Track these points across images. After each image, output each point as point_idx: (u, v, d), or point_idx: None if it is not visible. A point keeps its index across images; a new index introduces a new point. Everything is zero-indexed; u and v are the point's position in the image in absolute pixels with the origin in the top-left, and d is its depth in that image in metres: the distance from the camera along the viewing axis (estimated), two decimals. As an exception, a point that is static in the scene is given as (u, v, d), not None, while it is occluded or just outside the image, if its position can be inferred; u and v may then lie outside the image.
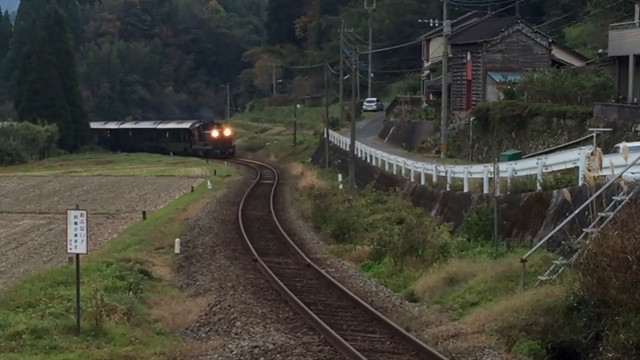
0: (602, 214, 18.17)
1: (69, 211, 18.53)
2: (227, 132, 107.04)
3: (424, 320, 19.76)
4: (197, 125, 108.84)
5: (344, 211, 39.01)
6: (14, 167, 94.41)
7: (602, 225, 17.69)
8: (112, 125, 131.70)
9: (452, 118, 62.77)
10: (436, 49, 74.51)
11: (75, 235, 18.21)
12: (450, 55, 62.49)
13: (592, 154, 23.07)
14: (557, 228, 20.30)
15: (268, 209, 46.30)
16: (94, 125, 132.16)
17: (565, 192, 21.25)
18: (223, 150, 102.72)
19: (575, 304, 16.53)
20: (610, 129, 37.56)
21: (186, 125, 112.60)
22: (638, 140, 33.98)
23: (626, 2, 57.71)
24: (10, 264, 34.00)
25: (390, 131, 76.36)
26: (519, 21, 62.37)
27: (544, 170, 27.55)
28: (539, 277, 18.76)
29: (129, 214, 48.19)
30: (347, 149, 60.68)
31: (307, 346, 17.57)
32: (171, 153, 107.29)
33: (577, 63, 61.21)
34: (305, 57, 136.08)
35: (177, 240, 33.39)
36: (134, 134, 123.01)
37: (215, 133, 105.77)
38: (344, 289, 23.72)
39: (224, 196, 54.25)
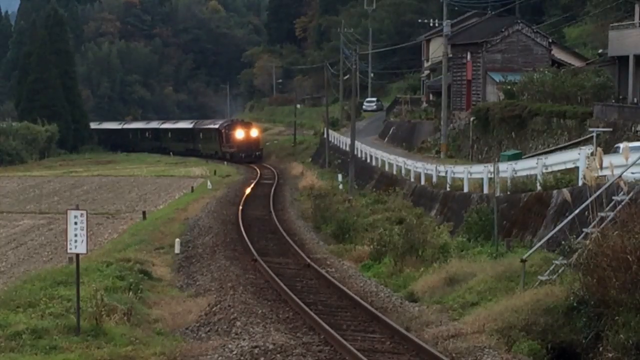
0: (602, 214, 18.17)
1: (69, 211, 18.53)
2: (254, 132, 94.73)
3: (424, 320, 19.76)
4: (225, 124, 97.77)
5: (344, 211, 39.03)
6: (14, 167, 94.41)
7: (602, 225, 17.70)
8: (154, 124, 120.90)
9: (452, 118, 62.76)
10: (436, 49, 74.52)
11: (75, 235, 18.21)
12: (450, 55, 62.48)
13: (592, 154, 23.09)
14: (557, 228, 20.30)
15: (268, 209, 46.29)
16: (134, 125, 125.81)
17: (565, 192, 21.25)
18: (249, 154, 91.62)
19: (575, 304, 16.54)
20: (610, 129, 37.58)
21: (216, 124, 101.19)
22: (638, 140, 33.98)
23: (626, 2, 57.70)
24: (10, 264, 34.01)
25: (390, 131, 76.37)
26: (519, 21, 62.35)
27: (544, 170, 27.56)
28: (539, 277, 18.76)
29: (129, 214, 48.19)
30: (347, 149, 60.68)
31: (307, 346, 17.57)
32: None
33: (577, 63, 61.18)
34: (305, 57, 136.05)
35: (177, 240, 33.40)
36: (172, 135, 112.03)
37: (240, 134, 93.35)
38: (344, 289, 23.71)
39: (224, 196, 54.25)
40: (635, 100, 45.76)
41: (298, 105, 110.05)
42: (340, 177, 60.08)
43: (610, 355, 15.08)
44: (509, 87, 55.82)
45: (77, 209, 18.65)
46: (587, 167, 20.03)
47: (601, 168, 19.03)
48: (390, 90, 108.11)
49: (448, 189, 37.86)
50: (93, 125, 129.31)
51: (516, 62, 59.79)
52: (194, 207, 47.53)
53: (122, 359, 16.60)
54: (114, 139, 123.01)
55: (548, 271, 18.75)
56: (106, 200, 56.40)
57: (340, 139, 74.50)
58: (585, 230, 18.17)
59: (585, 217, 19.47)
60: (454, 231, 31.63)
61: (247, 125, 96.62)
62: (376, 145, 66.87)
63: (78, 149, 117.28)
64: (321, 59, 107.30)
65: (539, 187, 27.04)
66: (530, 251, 20.44)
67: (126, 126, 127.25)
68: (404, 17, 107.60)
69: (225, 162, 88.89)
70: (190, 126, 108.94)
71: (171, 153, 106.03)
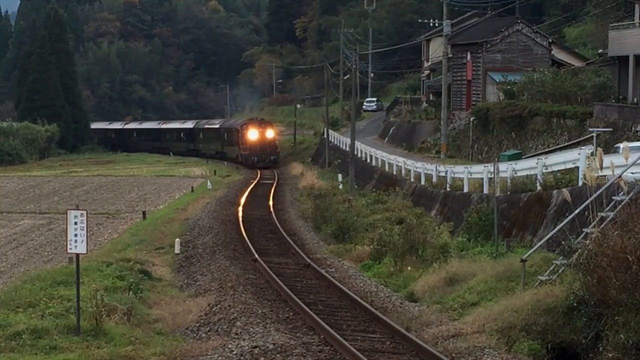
0: (602, 214, 18.16)
1: (69, 211, 18.53)
2: (270, 132, 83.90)
3: (424, 320, 19.75)
4: (242, 123, 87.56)
5: (344, 211, 39.03)
6: (14, 167, 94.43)
7: (602, 225, 17.69)
8: (188, 124, 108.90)
9: (452, 118, 62.78)
10: (436, 49, 74.54)
11: (75, 235, 18.21)
12: (450, 55, 62.50)
13: (592, 154, 23.09)
14: (557, 228, 20.28)
15: (268, 209, 46.28)
16: (171, 125, 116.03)
17: (565, 192, 21.24)
18: (262, 158, 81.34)
19: (575, 304, 16.53)
20: (610, 129, 37.60)
21: (237, 123, 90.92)
22: (638, 140, 33.99)
23: (626, 2, 57.72)
24: (10, 264, 34.02)
25: (390, 131, 76.38)
26: (519, 21, 62.39)
27: (544, 170, 27.56)
28: (539, 277, 18.75)
29: (129, 214, 48.19)
30: (347, 149, 60.68)
31: (307, 346, 17.57)
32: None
33: (577, 63, 61.23)
34: (305, 57, 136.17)
35: (177, 240, 33.39)
36: (203, 136, 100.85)
37: (253, 134, 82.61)
38: (344, 289, 23.71)
39: (224, 196, 54.24)
40: (635, 100, 45.76)
41: (298, 105, 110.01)
42: (340, 177, 60.10)
43: (610, 355, 15.08)
44: (509, 87, 55.86)
45: (77, 209, 18.66)
46: (587, 167, 20.02)
47: (601, 168, 19.02)
48: (390, 90, 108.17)
49: (448, 189, 37.87)
50: (133, 125, 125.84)
51: (516, 62, 59.84)
52: (194, 207, 47.52)
53: (122, 359, 16.60)
54: (151, 139, 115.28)
55: (548, 271, 18.74)
56: (106, 200, 56.40)
57: (340, 139, 74.50)
58: (585, 230, 18.15)
59: (585, 217, 19.47)
60: (454, 231, 31.63)
61: (262, 124, 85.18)
62: (376, 145, 66.89)
63: (78, 149, 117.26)
64: (321, 59, 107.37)
65: (539, 187, 27.04)
66: (530, 251, 20.43)
67: (164, 126, 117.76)
68: (404, 17, 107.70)
69: (226, 162, 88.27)
70: (217, 126, 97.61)
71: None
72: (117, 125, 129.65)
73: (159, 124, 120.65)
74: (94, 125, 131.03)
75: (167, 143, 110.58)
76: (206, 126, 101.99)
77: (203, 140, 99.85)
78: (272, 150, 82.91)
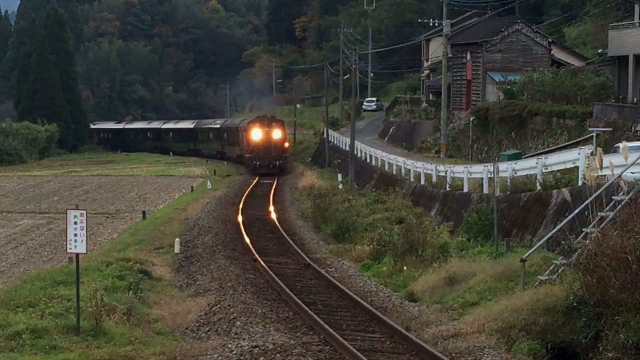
0: (602, 214, 18.16)
1: (69, 211, 18.53)
2: (278, 133, 73.36)
3: (424, 320, 19.76)
4: (247, 122, 78.10)
5: (344, 211, 39.02)
6: (14, 167, 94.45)
7: (602, 225, 17.69)
8: (218, 124, 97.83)
9: (452, 118, 62.78)
10: (436, 49, 74.55)
11: (75, 235, 18.21)
12: (450, 55, 62.48)
13: (592, 154, 23.10)
14: (557, 228, 20.29)
15: (268, 209, 46.28)
16: (205, 125, 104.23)
17: (565, 192, 21.24)
18: (267, 163, 71.62)
19: (575, 304, 16.54)
20: (610, 129, 37.60)
21: (245, 122, 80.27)
22: (638, 140, 33.98)
23: (626, 2, 57.73)
24: (10, 264, 34.03)
25: (390, 131, 76.39)
26: (519, 21, 62.38)
27: (544, 170, 27.56)
28: (539, 277, 18.76)
29: (129, 214, 48.20)
30: (347, 149, 60.68)
31: (307, 346, 17.57)
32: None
33: (577, 63, 61.24)
34: (305, 57, 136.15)
35: (177, 240, 33.38)
36: (228, 136, 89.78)
37: (256, 134, 72.61)
38: (344, 289, 23.70)
39: (224, 196, 54.23)
40: (635, 100, 45.77)
41: (298, 105, 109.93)
42: (340, 177, 60.11)
43: (610, 355, 15.08)
44: (509, 87, 55.86)
45: (77, 209, 18.66)
46: (587, 167, 20.03)
47: (601, 168, 19.02)
48: (390, 90, 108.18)
49: (448, 189, 37.87)
50: (170, 126, 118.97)
51: (516, 62, 59.83)
52: (194, 207, 47.52)
53: (122, 359, 16.60)
54: (187, 138, 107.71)
55: (548, 271, 18.74)
56: (106, 200, 56.41)
57: (340, 139, 74.49)
58: (585, 230, 18.16)
59: (585, 217, 19.46)
60: (454, 231, 31.63)
61: (270, 123, 74.45)
62: (376, 145, 66.90)
63: (78, 149, 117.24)
64: (321, 59, 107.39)
65: (539, 187, 27.04)
66: (530, 251, 20.44)
67: (200, 126, 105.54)
68: (404, 17, 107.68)
69: (226, 162, 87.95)
70: (238, 125, 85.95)
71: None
72: (155, 125, 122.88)
73: (192, 123, 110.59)
74: (132, 125, 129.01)
75: (200, 145, 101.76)
76: (229, 125, 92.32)
77: (227, 142, 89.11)
78: (278, 154, 72.59)
